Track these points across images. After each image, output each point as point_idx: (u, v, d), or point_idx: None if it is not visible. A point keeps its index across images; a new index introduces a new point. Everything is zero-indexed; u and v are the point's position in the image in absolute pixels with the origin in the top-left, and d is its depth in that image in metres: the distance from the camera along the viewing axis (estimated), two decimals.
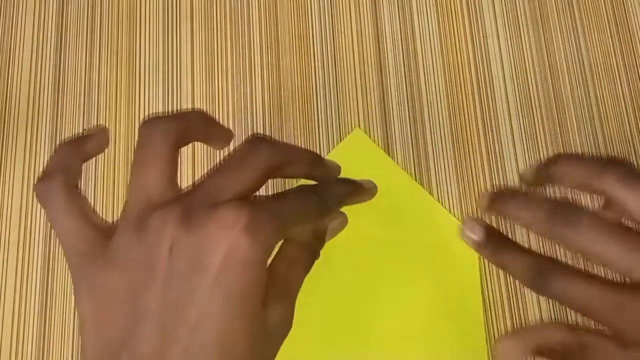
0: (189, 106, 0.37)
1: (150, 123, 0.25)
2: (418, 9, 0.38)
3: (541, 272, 0.27)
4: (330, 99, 0.37)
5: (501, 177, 0.35)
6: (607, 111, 0.36)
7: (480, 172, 0.35)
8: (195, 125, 0.27)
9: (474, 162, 0.36)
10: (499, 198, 0.30)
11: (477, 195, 0.35)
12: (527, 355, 0.29)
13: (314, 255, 0.29)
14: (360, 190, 0.31)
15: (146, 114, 0.37)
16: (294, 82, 0.37)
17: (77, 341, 0.34)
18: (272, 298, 0.25)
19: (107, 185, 0.36)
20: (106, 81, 0.38)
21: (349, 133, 0.36)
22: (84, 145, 0.27)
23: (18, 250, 0.35)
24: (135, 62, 0.38)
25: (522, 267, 0.28)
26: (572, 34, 0.38)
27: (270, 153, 0.26)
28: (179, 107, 0.37)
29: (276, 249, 0.28)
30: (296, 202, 0.26)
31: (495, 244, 0.31)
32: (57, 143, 0.37)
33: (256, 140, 0.26)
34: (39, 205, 0.35)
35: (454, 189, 0.35)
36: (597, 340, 0.27)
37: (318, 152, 0.36)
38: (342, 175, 0.33)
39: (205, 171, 0.24)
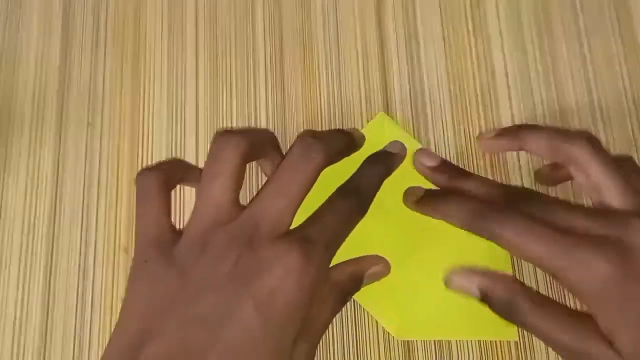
0: (193, 104, 0.37)
1: (224, 137, 0.27)
2: (422, 12, 0.39)
3: (480, 213, 0.28)
4: (334, 99, 0.37)
5: (503, 178, 0.36)
6: (610, 113, 0.37)
7: (483, 172, 0.36)
8: (264, 145, 0.28)
9: (476, 163, 0.36)
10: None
11: None
12: (473, 294, 0.30)
13: (345, 298, 0.29)
14: (387, 163, 0.32)
15: (150, 113, 0.37)
16: (297, 85, 0.38)
17: (79, 338, 0.34)
18: (299, 336, 0.25)
19: (111, 184, 0.36)
20: (111, 80, 0.38)
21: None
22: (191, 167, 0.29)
23: (22, 247, 0.35)
24: (140, 62, 0.39)
25: (459, 209, 0.29)
26: (576, 41, 0.38)
27: (324, 154, 0.27)
28: (183, 106, 0.37)
29: None
30: (341, 219, 0.27)
31: (437, 193, 0.32)
32: (62, 141, 0.37)
33: (308, 142, 0.27)
34: (43, 202, 0.36)
35: None
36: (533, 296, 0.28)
37: None
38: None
39: None
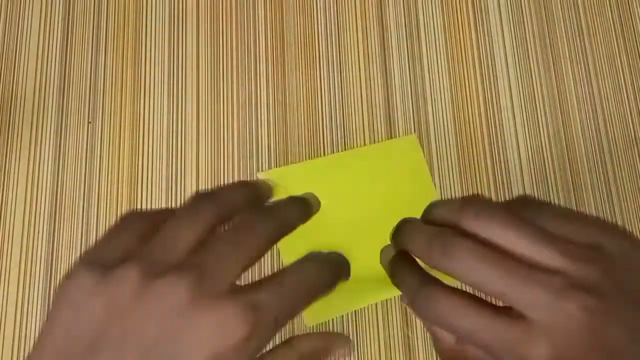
0: (194, 105, 0.38)
1: (198, 200, 0.25)
2: (423, 7, 0.39)
3: (419, 292, 0.26)
4: (335, 100, 0.37)
5: (505, 180, 0.36)
6: (612, 112, 0.37)
7: (484, 173, 0.36)
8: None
9: (478, 165, 0.36)
10: (395, 232, 0.30)
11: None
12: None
13: None
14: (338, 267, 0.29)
15: (151, 112, 0.37)
16: (298, 82, 0.38)
17: None
18: None
19: (111, 182, 0.36)
20: (111, 78, 0.38)
21: (353, 134, 0.37)
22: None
23: (22, 243, 0.35)
24: (141, 60, 0.39)
25: (408, 284, 0.28)
26: (579, 46, 0.39)
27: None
28: (183, 107, 0.38)
29: None
30: (306, 286, 0.25)
31: (396, 263, 0.30)
32: (62, 139, 0.37)
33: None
34: (42, 199, 0.36)
35: (456, 188, 0.36)
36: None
37: (322, 152, 0.36)
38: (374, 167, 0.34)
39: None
